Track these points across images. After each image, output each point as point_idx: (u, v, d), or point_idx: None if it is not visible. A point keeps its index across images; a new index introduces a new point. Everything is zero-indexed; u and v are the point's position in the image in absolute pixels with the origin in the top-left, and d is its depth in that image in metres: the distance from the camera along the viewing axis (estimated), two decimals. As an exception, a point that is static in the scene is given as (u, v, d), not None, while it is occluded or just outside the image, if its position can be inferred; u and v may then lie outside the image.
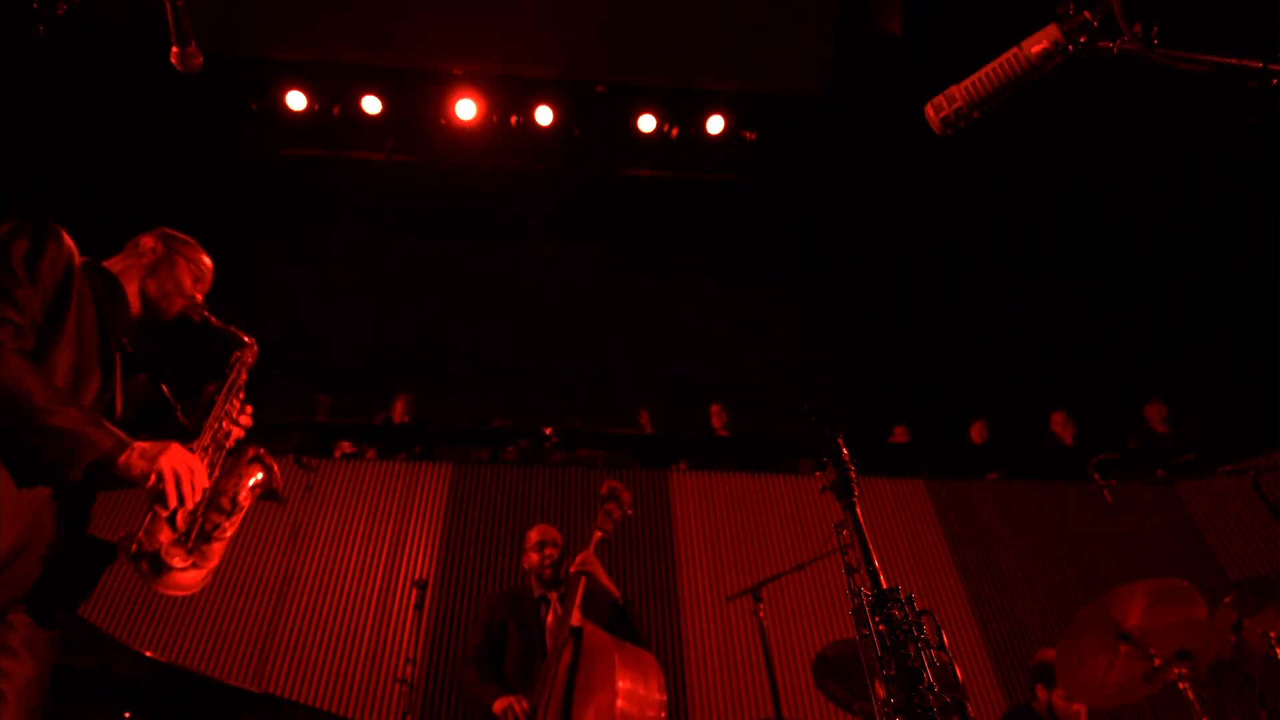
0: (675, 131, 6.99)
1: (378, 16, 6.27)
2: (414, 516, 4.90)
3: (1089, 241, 7.23)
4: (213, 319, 1.88)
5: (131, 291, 1.78)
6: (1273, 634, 2.70)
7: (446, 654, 4.33)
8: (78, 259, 1.60)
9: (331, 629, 4.36)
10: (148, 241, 1.86)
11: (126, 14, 5.08)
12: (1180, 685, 2.52)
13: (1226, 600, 2.80)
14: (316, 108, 6.71)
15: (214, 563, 1.62)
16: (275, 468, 1.82)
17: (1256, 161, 5.39)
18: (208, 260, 1.96)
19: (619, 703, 2.44)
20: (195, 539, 1.59)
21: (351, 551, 4.69)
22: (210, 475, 1.66)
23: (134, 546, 1.52)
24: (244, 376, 1.89)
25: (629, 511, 3.06)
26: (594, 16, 6.29)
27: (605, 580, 2.93)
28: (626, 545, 4.86)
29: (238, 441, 1.81)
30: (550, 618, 3.03)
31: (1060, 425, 6.64)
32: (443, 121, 6.81)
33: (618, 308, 8.45)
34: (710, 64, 6.69)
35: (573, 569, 2.87)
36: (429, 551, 4.74)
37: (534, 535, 3.24)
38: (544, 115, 6.79)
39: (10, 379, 1.38)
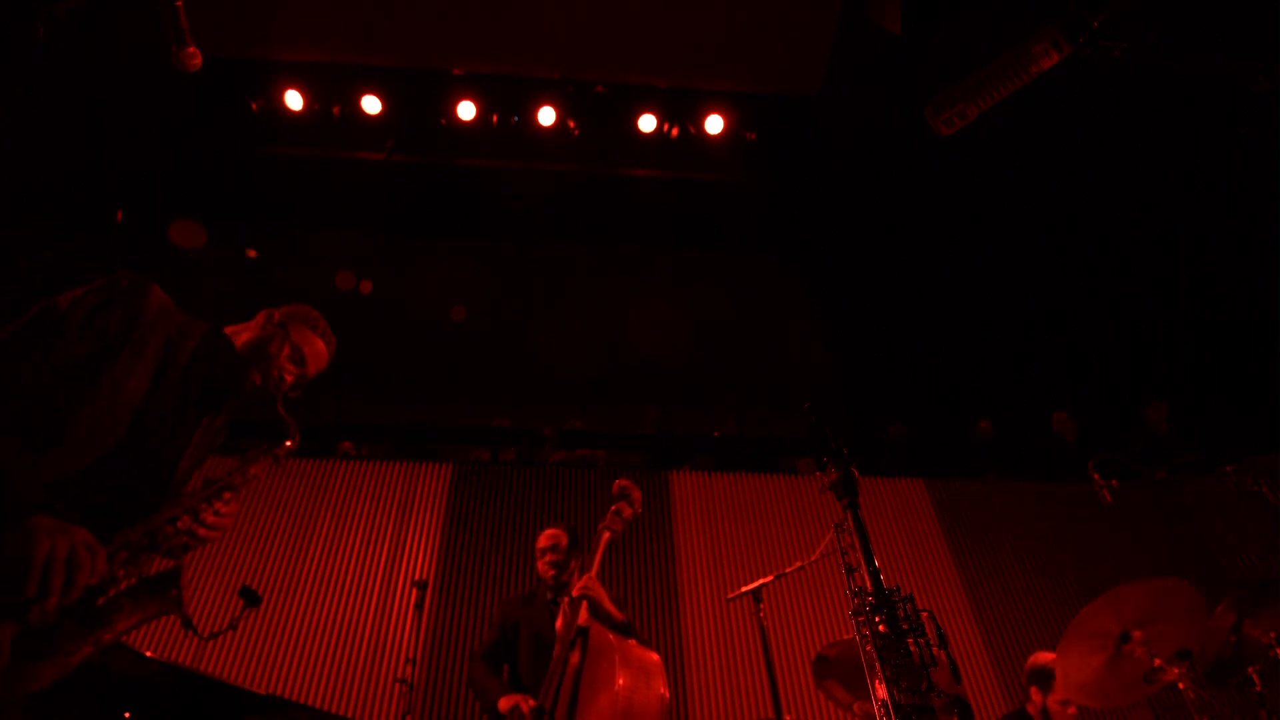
0: (675, 131, 6.99)
1: (378, 16, 6.27)
2: (414, 516, 4.89)
3: (1089, 241, 7.22)
4: (280, 402, 1.73)
5: (222, 351, 1.73)
6: (1273, 634, 2.70)
7: (446, 654, 4.33)
8: (153, 319, 1.57)
9: (331, 629, 4.36)
10: (265, 313, 1.85)
11: (125, 14, 5.09)
12: (1180, 685, 2.52)
13: (1226, 600, 2.81)
14: (317, 108, 6.72)
15: (35, 685, 1.29)
16: (185, 609, 1.48)
17: (1257, 161, 5.39)
18: (318, 345, 1.85)
19: (620, 702, 2.45)
20: (37, 646, 1.29)
21: (351, 551, 4.69)
22: (109, 575, 1.38)
23: None
24: (250, 474, 1.67)
25: (639, 511, 3.03)
26: (594, 16, 6.29)
27: (608, 604, 2.90)
28: (626, 545, 4.86)
29: (184, 548, 1.52)
30: (559, 621, 3.03)
31: (1061, 425, 6.64)
32: (443, 121, 6.81)
33: (618, 308, 8.45)
34: (710, 64, 6.68)
35: (574, 592, 2.82)
36: (429, 551, 4.74)
37: (540, 541, 3.26)
38: (544, 115, 6.79)
39: None
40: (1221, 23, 3.74)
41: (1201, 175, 6.19)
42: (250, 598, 1.81)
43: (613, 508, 2.99)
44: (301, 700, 4.03)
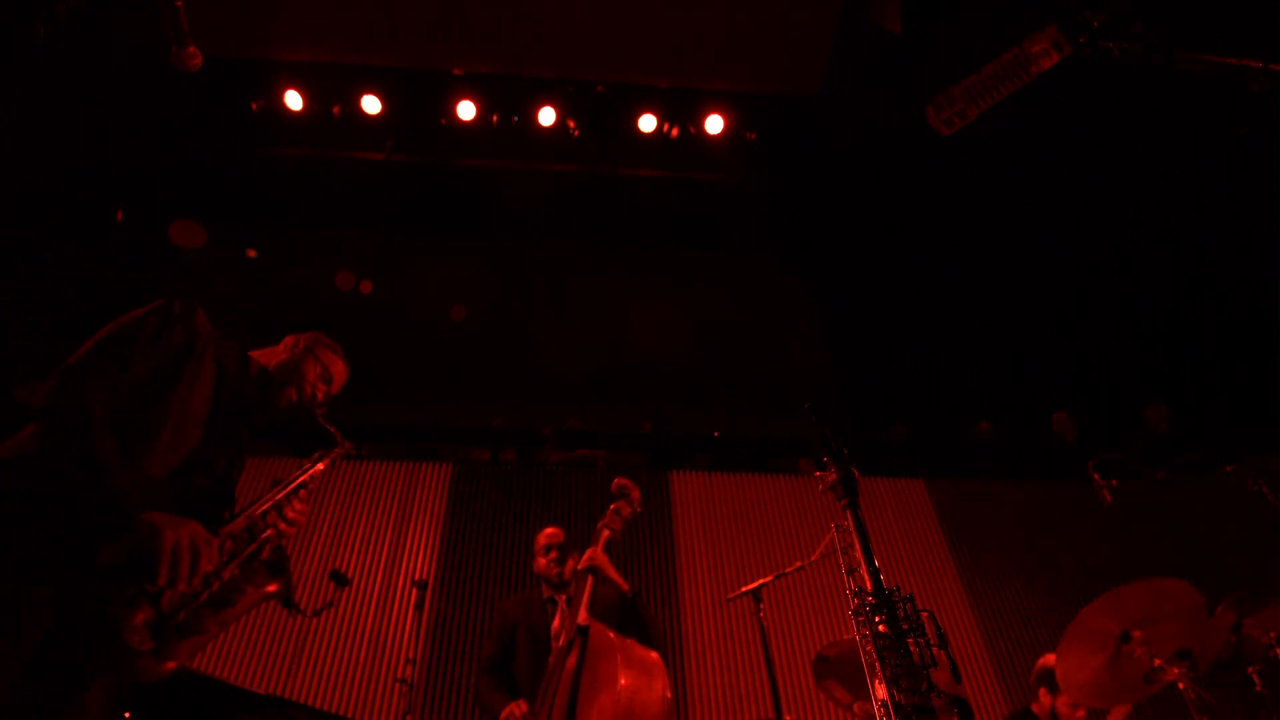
0: (675, 131, 6.99)
1: (378, 16, 6.27)
2: (414, 516, 4.89)
3: (1089, 241, 7.22)
4: (319, 415, 1.98)
5: (254, 370, 1.91)
6: (1273, 634, 2.70)
7: (446, 654, 4.33)
8: (206, 339, 1.71)
9: (331, 629, 4.36)
10: (291, 339, 2.02)
11: (125, 14, 5.09)
12: (1180, 685, 2.52)
13: (1226, 600, 2.81)
14: (317, 108, 6.72)
15: (174, 662, 1.43)
16: (293, 592, 1.69)
17: (1257, 161, 5.39)
18: (340, 365, 2.08)
19: (622, 701, 2.43)
20: (172, 628, 1.42)
21: (351, 551, 4.69)
22: (220, 563, 1.55)
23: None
24: (316, 472, 1.90)
25: (639, 510, 3.02)
26: (594, 16, 6.29)
27: (613, 574, 2.89)
28: (627, 545, 4.86)
29: (273, 545, 1.68)
30: (556, 621, 3.02)
31: (1061, 425, 6.64)
32: (443, 121, 6.81)
33: (618, 308, 8.45)
34: (710, 64, 6.69)
35: (580, 565, 2.83)
36: (429, 551, 4.74)
37: (541, 539, 3.25)
38: (544, 115, 6.79)
39: (83, 421, 1.43)
40: (1221, 23, 3.74)
41: (1201, 175, 6.19)
42: (340, 579, 1.99)
43: (611, 506, 2.99)
44: (301, 700, 4.03)
